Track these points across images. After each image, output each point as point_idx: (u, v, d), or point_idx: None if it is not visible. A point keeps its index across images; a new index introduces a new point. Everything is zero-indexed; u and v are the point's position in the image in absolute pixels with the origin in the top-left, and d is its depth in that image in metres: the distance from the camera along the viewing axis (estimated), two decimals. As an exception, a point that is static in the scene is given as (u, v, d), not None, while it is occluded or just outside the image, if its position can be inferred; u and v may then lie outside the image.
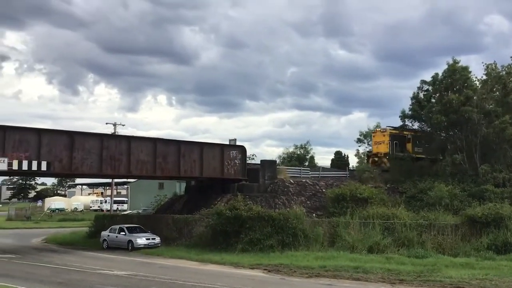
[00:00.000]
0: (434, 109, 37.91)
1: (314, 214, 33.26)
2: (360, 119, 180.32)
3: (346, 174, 42.63)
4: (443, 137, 40.03)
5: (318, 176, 40.36)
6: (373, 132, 46.57)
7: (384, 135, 44.10)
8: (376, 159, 44.25)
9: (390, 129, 43.98)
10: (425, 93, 40.71)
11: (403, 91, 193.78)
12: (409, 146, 43.63)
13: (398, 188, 38.40)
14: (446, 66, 39.14)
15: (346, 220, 28.81)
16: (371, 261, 23.09)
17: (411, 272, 20.61)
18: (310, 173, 40.24)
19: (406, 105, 42.78)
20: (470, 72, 38.64)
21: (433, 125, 38.69)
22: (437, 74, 39.86)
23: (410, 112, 40.92)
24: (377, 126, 50.21)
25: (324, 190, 37.26)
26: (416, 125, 42.45)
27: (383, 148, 43.70)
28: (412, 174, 38.93)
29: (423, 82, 41.00)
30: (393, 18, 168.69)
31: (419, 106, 39.96)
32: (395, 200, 34.49)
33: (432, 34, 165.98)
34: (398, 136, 43.62)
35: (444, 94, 38.16)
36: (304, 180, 38.19)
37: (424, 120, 40.34)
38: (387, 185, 39.46)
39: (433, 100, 39.78)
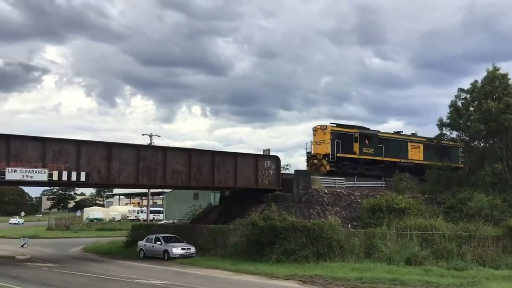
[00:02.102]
0: (472, 117, 37.03)
1: (349, 225, 32.83)
2: (396, 128, 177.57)
3: (382, 184, 41.94)
4: (482, 146, 39.00)
5: (353, 186, 39.87)
6: (313, 130, 40.64)
7: (325, 133, 39.14)
8: (315, 161, 39.81)
9: (332, 126, 39.62)
10: (463, 101, 39.81)
11: (440, 99, 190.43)
12: (356, 146, 39.90)
13: (436, 199, 37.54)
14: (485, 73, 38.30)
15: (383, 231, 28.30)
16: (409, 273, 22.60)
17: (451, 285, 20.09)
18: (345, 183, 39.77)
19: (443, 113, 41.53)
20: (510, 79, 37.63)
21: (472, 134, 37.78)
22: (476, 81, 39.01)
23: (448, 121, 40.06)
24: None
25: (359, 200, 36.77)
26: (454, 134, 41.41)
27: (323, 149, 38.93)
28: (451, 184, 38.00)
29: (461, 90, 40.15)
30: (429, 25, 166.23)
31: (457, 115, 39.09)
32: (433, 211, 33.69)
33: (470, 41, 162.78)
34: (342, 135, 39.56)
35: (483, 102, 37.23)
36: (338, 190, 37.78)
37: (462, 128, 39.42)
38: (425, 196, 38.65)
39: (471, 108, 38.87)
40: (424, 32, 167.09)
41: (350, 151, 39.73)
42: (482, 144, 39.21)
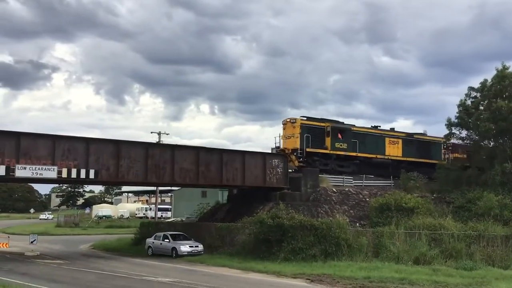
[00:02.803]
0: (482, 116, 36.76)
1: (357, 224, 32.76)
2: (405, 127, 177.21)
3: (390, 183, 41.80)
4: (492, 146, 38.73)
5: (361, 185, 39.79)
6: (283, 124, 38.34)
7: (294, 127, 36.70)
8: None
9: (302, 120, 37.32)
10: (473, 100, 39.53)
11: (450, 98, 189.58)
12: (328, 140, 37.66)
13: (445, 198, 37.37)
14: (495, 72, 37.99)
15: (391, 230, 28.21)
16: (417, 272, 22.50)
17: (459, 285, 19.98)
18: (353, 182, 39.69)
19: (452, 112, 41.18)
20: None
21: (481, 133, 37.48)
22: (485, 80, 38.68)
23: (456, 120, 39.81)
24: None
25: (367, 199, 36.66)
26: (463, 133, 41.07)
27: (292, 143, 36.44)
28: (460, 183, 37.78)
29: (471, 88, 39.83)
30: (439, 24, 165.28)
31: (467, 114, 38.83)
32: (442, 210, 33.56)
33: (480, 40, 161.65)
34: (313, 128, 37.32)
35: (493, 101, 36.95)
36: (347, 189, 37.70)
37: (471, 128, 39.14)
38: (434, 195, 38.50)
39: (481, 108, 38.59)
40: (434, 30, 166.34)
41: (321, 146, 37.55)
42: (491, 144, 38.91)
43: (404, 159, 42.62)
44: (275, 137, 37.79)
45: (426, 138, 45.27)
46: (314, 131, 37.38)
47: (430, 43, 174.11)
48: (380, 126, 43.82)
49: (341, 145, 38.60)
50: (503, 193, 33.39)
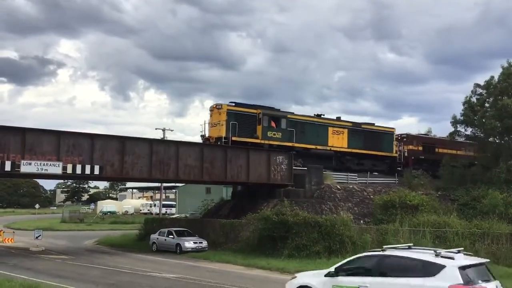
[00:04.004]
0: (487, 114, 36.62)
1: (361, 221, 32.74)
2: (410, 124, 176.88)
3: (395, 180, 41.73)
4: (497, 143, 38.57)
5: (366, 182, 39.74)
6: (210, 110, 35.55)
7: (220, 114, 33.81)
8: None
9: (229, 106, 34.60)
10: (478, 97, 39.37)
11: (455, 95, 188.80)
12: (259, 129, 34.76)
13: (450, 196, 37.27)
14: (500, 70, 37.82)
15: (395, 227, 28.17)
16: (421, 270, 22.43)
17: (464, 282, 19.92)
18: (358, 179, 39.65)
19: (457, 109, 40.80)
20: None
21: (487, 131, 37.33)
22: (492, 77, 38.52)
23: (462, 118, 39.66)
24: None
25: (372, 196, 36.64)
26: (468, 131, 40.88)
27: (217, 132, 33.66)
28: (465, 181, 37.67)
29: (477, 85, 39.69)
30: (445, 21, 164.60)
31: (472, 111, 38.69)
32: (447, 208, 33.46)
33: (486, 37, 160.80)
34: (241, 115, 34.35)
35: (499, 99, 36.79)
36: (351, 186, 37.68)
37: (477, 125, 39.01)
38: (438, 192, 38.40)
39: (486, 105, 38.43)
40: (440, 27, 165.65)
41: (251, 135, 34.55)
42: (497, 141, 38.75)
43: (350, 150, 40.07)
44: (200, 125, 34.96)
45: (376, 128, 42.61)
46: (243, 118, 34.38)
47: (435, 40, 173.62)
48: (324, 115, 40.58)
49: (274, 134, 35.50)
50: (508, 190, 33.26)
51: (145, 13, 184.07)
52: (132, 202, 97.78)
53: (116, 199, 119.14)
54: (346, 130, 40.38)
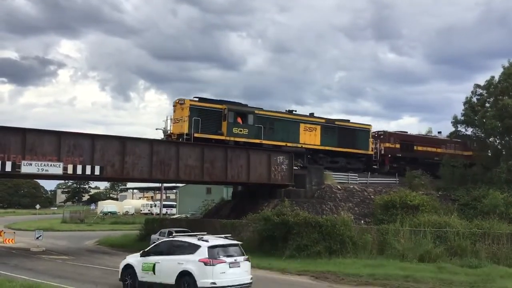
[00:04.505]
0: (488, 114, 36.63)
1: (362, 221, 32.75)
2: (411, 124, 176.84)
3: (395, 180, 41.72)
4: (498, 143, 38.59)
5: (366, 182, 39.74)
6: (173, 106, 34.04)
7: (183, 109, 32.29)
8: None
9: (192, 101, 33.05)
10: (479, 97, 39.40)
11: (456, 95, 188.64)
12: (224, 125, 33.30)
13: (451, 196, 37.29)
14: (501, 69, 37.84)
15: (396, 227, 28.17)
16: (422, 270, 22.46)
17: (464, 282, 19.94)
18: (358, 179, 39.66)
19: (458, 109, 40.75)
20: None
21: (487, 131, 37.38)
22: (492, 77, 38.57)
23: (462, 118, 39.68)
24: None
25: (372, 196, 36.65)
26: (469, 131, 40.89)
27: (179, 128, 32.26)
28: (465, 181, 37.68)
29: (477, 86, 39.74)
30: (445, 21, 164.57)
31: (472, 111, 38.72)
32: (448, 208, 33.49)
33: (487, 37, 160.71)
34: (205, 111, 32.91)
35: (499, 99, 36.82)
36: (351, 186, 37.69)
37: (477, 125, 39.03)
38: (439, 192, 38.41)
39: (487, 105, 38.45)
40: (440, 27, 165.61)
41: (215, 131, 33.12)
42: (497, 141, 38.77)
43: (323, 148, 38.65)
44: (163, 121, 33.00)
45: (351, 125, 41.21)
46: (206, 114, 32.97)
47: (436, 40, 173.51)
48: (296, 111, 39.17)
49: (240, 131, 33.97)
50: (508, 190, 33.32)
51: (146, 13, 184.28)
52: (133, 202, 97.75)
53: (116, 199, 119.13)
54: (319, 127, 38.89)
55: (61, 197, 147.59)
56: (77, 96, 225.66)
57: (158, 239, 33.31)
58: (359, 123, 42.51)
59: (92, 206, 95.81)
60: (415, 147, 44.35)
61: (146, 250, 17.42)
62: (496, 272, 22.13)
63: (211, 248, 15.57)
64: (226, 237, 17.10)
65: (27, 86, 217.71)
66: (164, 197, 78.99)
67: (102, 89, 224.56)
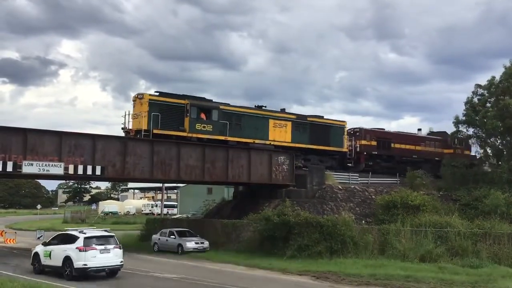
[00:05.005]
0: (489, 113, 36.61)
1: (363, 221, 32.73)
2: (412, 124, 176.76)
3: (396, 180, 41.69)
4: (499, 143, 38.57)
5: (368, 182, 39.73)
6: (133, 101, 32.42)
7: (142, 104, 30.96)
8: None
9: (151, 95, 31.68)
10: (480, 97, 39.38)
11: (457, 95, 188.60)
12: (186, 121, 31.95)
13: (452, 196, 37.24)
14: (502, 69, 37.83)
15: (397, 227, 28.16)
16: (423, 270, 22.47)
17: (465, 282, 19.93)
18: (359, 179, 39.64)
19: (459, 109, 40.67)
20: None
21: (488, 131, 37.34)
22: (493, 77, 38.55)
23: (464, 118, 39.66)
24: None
25: (373, 196, 36.65)
26: (470, 131, 40.82)
27: (137, 124, 30.86)
28: (467, 181, 37.65)
29: (478, 86, 39.73)
30: (446, 21, 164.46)
31: (474, 111, 38.70)
32: (449, 208, 33.45)
33: (487, 36, 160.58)
34: (165, 106, 31.54)
35: (501, 98, 36.79)
36: (352, 186, 37.69)
37: (478, 125, 39.01)
38: (440, 192, 38.37)
39: (488, 105, 38.44)
40: (442, 27, 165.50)
41: (177, 128, 31.68)
42: (498, 141, 38.75)
43: (294, 145, 36.89)
44: (122, 116, 31.96)
45: (324, 121, 39.40)
46: (167, 110, 31.57)
47: (437, 40, 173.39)
48: (265, 106, 37.42)
49: (204, 127, 32.56)
50: (510, 190, 33.28)
51: (146, 14, 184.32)
52: (134, 202, 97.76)
53: (117, 199, 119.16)
54: (289, 123, 37.17)
55: (62, 197, 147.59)
56: (78, 96, 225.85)
57: (159, 239, 33.47)
58: (333, 119, 40.83)
59: (93, 206, 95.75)
60: (392, 145, 43.14)
61: (46, 241, 22.28)
62: (497, 272, 22.12)
63: (86, 238, 20.29)
64: (105, 230, 22.35)
65: (28, 86, 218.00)
66: (165, 197, 79.04)
67: (103, 89, 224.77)
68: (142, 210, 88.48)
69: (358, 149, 40.89)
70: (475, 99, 39.55)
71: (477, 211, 32.07)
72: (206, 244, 31.50)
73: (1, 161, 25.33)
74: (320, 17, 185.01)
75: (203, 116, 32.89)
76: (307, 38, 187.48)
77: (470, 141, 43.55)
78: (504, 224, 28.50)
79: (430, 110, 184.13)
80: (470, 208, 33.50)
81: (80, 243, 20.06)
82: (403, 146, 43.54)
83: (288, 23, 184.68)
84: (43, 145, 26.83)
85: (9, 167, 25.53)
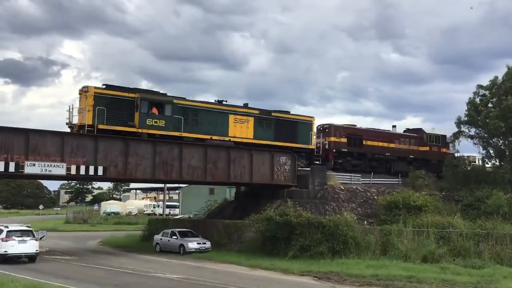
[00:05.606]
0: (491, 114, 36.55)
1: (365, 222, 32.71)
2: (414, 125, 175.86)
3: (398, 180, 41.63)
4: (501, 143, 38.51)
5: (369, 183, 39.69)
6: (79, 94, 30.39)
7: (87, 97, 29.06)
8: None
9: (97, 88, 29.92)
10: (482, 97, 39.32)
11: (459, 95, 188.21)
12: (136, 116, 30.16)
13: (454, 196, 37.15)
14: (505, 69, 37.78)
15: (399, 228, 28.15)
16: (425, 270, 22.46)
17: (467, 283, 19.92)
18: (361, 179, 39.60)
19: (462, 109, 40.45)
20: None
21: (491, 131, 37.28)
22: (496, 77, 38.49)
23: (466, 118, 39.58)
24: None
25: (375, 197, 36.61)
26: (472, 131, 40.70)
27: (81, 118, 29.07)
28: (469, 181, 37.59)
29: (480, 86, 39.66)
30: (449, 21, 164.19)
31: (476, 112, 38.62)
32: (451, 209, 33.42)
33: (490, 36, 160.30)
34: (112, 99, 29.64)
35: (503, 99, 36.73)
36: (354, 187, 37.66)
37: (481, 125, 38.93)
38: (442, 193, 38.29)
39: (490, 105, 38.38)
40: (444, 27, 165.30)
41: (125, 123, 29.96)
42: (501, 141, 38.69)
43: (256, 141, 35.11)
44: (67, 111, 30.18)
45: (290, 117, 37.49)
46: (115, 104, 29.77)
47: (439, 40, 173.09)
48: (227, 101, 35.43)
49: (156, 122, 30.87)
50: (512, 191, 33.20)
51: (148, 14, 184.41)
52: (136, 203, 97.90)
53: (119, 200, 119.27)
54: (251, 119, 35.26)
55: (64, 197, 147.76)
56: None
57: (161, 239, 33.51)
58: (301, 115, 39.15)
59: (95, 207, 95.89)
60: (364, 142, 41.31)
61: None
62: (500, 272, 22.10)
63: (9, 231, 25.70)
64: (27, 226, 28.00)
65: (30, 86, 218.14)
66: (167, 197, 79.07)
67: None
68: (144, 211, 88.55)
69: (327, 146, 39.29)
70: (477, 100, 39.49)
71: (479, 212, 32.01)
72: (208, 244, 31.52)
73: (4, 162, 25.42)
74: (322, 17, 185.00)
75: (155, 111, 31.17)
76: (309, 38, 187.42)
77: (447, 138, 43.60)
78: (507, 224, 28.46)
79: (433, 110, 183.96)
80: (472, 208, 33.44)
81: (3, 235, 25.50)
82: (375, 143, 41.94)
83: (290, 23, 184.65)
84: (45, 145, 26.90)
85: (12, 168, 25.62)
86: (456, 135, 41.41)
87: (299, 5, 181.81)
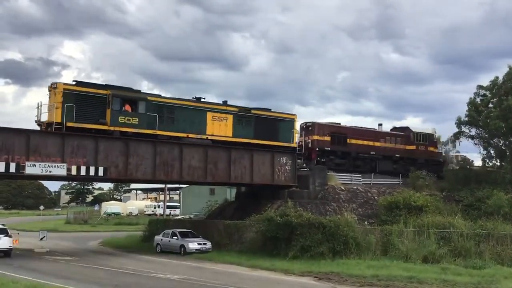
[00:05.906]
0: (492, 114, 36.53)
1: (366, 222, 32.72)
2: (414, 125, 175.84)
3: (399, 181, 41.59)
4: (501, 144, 38.49)
5: (370, 183, 39.67)
6: (48, 91, 29.21)
7: (56, 94, 27.99)
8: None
9: (66, 85, 28.78)
10: (482, 98, 39.31)
11: (459, 95, 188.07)
12: (108, 113, 29.11)
13: (455, 196, 37.13)
14: (505, 70, 37.77)
15: (400, 228, 28.14)
16: (425, 271, 22.46)
17: (468, 283, 19.91)
18: (362, 180, 39.57)
19: (462, 109, 40.35)
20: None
21: (491, 131, 37.26)
22: (496, 78, 38.48)
23: (466, 118, 39.56)
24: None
25: (376, 197, 36.60)
26: (473, 131, 40.65)
27: (49, 116, 28.14)
28: (469, 181, 37.58)
29: (480, 87, 39.66)
30: (449, 21, 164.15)
31: (476, 112, 38.60)
32: (452, 209, 33.40)
33: (491, 36, 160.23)
34: (83, 96, 28.67)
35: (504, 99, 36.72)
36: (355, 187, 37.65)
37: (481, 126, 38.91)
38: (443, 193, 38.27)
39: (491, 105, 38.37)
40: (445, 27, 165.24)
41: (96, 120, 28.93)
42: (501, 142, 38.67)
43: (235, 140, 34.03)
44: (36, 108, 29.07)
45: (271, 115, 36.19)
46: (85, 101, 28.73)
47: (439, 40, 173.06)
48: (204, 98, 34.49)
49: (128, 120, 29.86)
50: (513, 191, 33.19)
51: (149, 15, 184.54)
52: (136, 203, 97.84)
53: (120, 200, 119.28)
54: (230, 116, 34.15)
55: (65, 198, 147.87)
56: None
57: (161, 240, 33.52)
58: (282, 112, 37.85)
59: (96, 207, 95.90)
60: (348, 140, 40.45)
61: None
62: (501, 273, 22.10)
63: None
64: (2, 224, 31.95)
65: (31, 87, 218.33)
66: (167, 198, 79.07)
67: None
68: (145, 211, 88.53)
69: (310, 145, 38.28)
70: (478, 100, 39.47)
71: (480, 212, 32.01)
72: (209, 245, 31.52)
73: (4, 162, 25.46)
74: (322, 17, 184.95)
75: (128, 108, 30.17)
76: (309, 38, 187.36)
77: (434, 136, 43.42)
78: (507, 225, 28.45)
79: (433, 110, 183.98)
80: (473, 208, 33.43)
81: None
82: (360, 141, 41.13)
83: (290, 23, 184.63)
84: (45, 146, 26.93)
85: (12, 168, 25.67)
86: (457, 135, 41.38)
87: (299, 5, 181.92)
